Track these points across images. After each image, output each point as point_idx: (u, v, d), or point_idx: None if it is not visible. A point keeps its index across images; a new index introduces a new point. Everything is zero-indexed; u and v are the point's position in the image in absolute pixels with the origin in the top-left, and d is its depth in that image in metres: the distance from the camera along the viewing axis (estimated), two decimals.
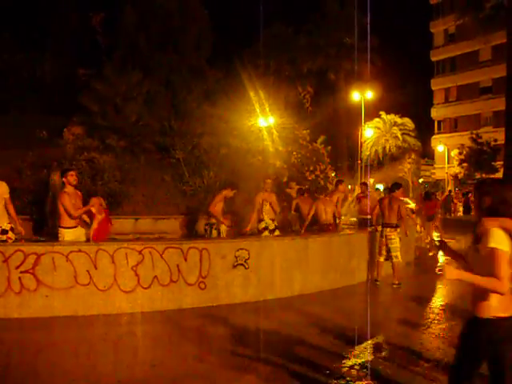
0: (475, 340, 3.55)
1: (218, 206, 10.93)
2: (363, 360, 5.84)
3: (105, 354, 6.32)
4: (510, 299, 3.42)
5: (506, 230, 3.43)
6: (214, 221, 10.91)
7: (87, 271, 7.71)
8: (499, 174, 37.13)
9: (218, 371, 5.47)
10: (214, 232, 10.89)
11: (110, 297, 7.84)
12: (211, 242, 9.14)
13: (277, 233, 11.05)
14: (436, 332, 7.11)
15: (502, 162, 30.44)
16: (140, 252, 8.00)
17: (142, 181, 15.45)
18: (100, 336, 6.94)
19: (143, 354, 6.31)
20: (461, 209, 37.80)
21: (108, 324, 7.43)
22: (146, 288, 8.01)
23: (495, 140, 43.60)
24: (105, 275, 7.81)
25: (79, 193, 9.00)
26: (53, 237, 8.93)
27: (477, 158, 45.67)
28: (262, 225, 10.99)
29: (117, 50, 21.86)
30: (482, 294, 3.47)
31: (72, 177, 8.64)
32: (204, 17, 24.04)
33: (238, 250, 8.66)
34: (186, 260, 8.28)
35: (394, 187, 11.10)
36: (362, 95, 39.17)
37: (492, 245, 3.37)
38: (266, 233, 10.91)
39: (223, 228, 11.03)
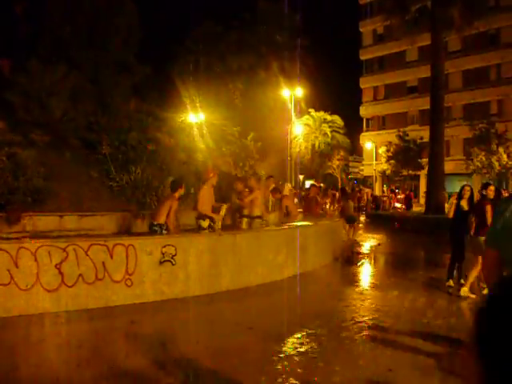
0: None
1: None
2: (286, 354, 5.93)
3: (28, 357, 6.09)
4: None
5: None
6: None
7: (8, 270, 7.43)
8: (424, 171, 38.26)
9: (146, 371, 5.39)
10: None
11: (32, 296, 7.59)
12: (137, 239, 9.02)
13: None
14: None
15: (426, 160, 31.47)
16: (64, 249, 7.79)
17: (67, 177, 15.05)
18: (22, 338, 6.72)
19: (68, 355, 6.14)
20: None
21: (31, 325, 7.19)
22: (70, 286, 7.81)
23: (421, 138, 44.82)
24: (27, 274, 7.55)
25: None
26: None
27: (403, 155, 46.99)
28: (206, 223, 10.86)
29: (41, 42, 21.22)
30: None
31: None
32: (133, 12, 23.66)
33: (164, 247, 8.58)
34: (111, 257, 8.13)
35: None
36: (292, 92, 39.59)
37: None
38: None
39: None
